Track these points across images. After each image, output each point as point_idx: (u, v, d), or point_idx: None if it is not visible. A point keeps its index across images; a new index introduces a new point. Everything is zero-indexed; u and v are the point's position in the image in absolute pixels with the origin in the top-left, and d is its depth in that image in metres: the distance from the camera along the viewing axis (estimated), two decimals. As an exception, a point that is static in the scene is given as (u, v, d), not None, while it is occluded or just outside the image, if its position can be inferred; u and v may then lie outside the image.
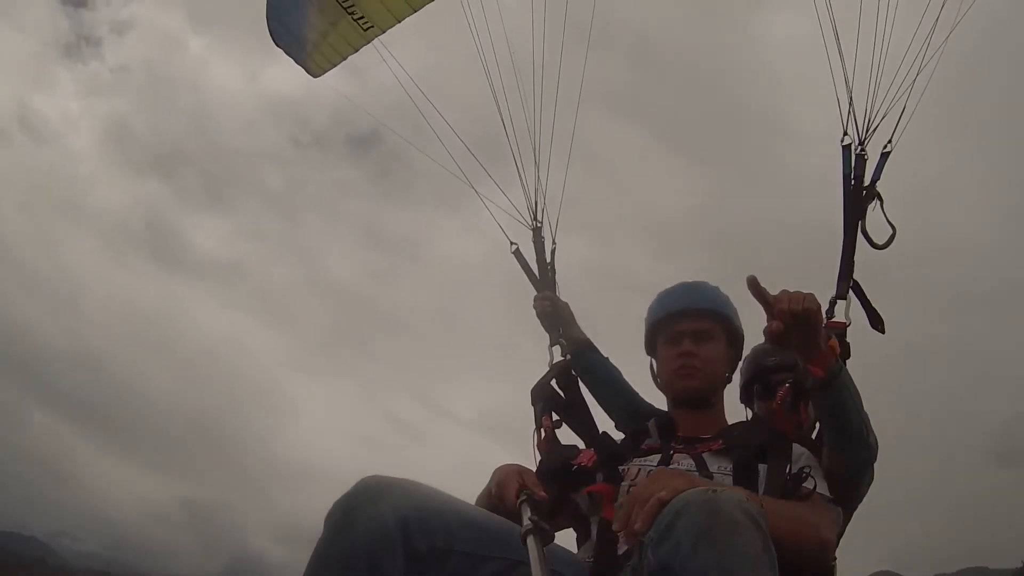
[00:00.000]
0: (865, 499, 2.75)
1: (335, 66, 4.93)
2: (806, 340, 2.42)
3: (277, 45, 4.66)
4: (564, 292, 3.91)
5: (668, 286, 3.13)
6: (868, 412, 2.59)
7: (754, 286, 2.39)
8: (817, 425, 2.84)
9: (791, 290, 2.41)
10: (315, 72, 4.86)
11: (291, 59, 4.74)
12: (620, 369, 3.53)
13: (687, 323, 2.95)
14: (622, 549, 2.37)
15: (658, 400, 3.28)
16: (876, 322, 2.92)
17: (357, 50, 4.83)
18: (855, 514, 2.76)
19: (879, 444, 2.61)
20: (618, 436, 3.02)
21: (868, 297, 2.88)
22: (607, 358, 3.54)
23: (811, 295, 2.45)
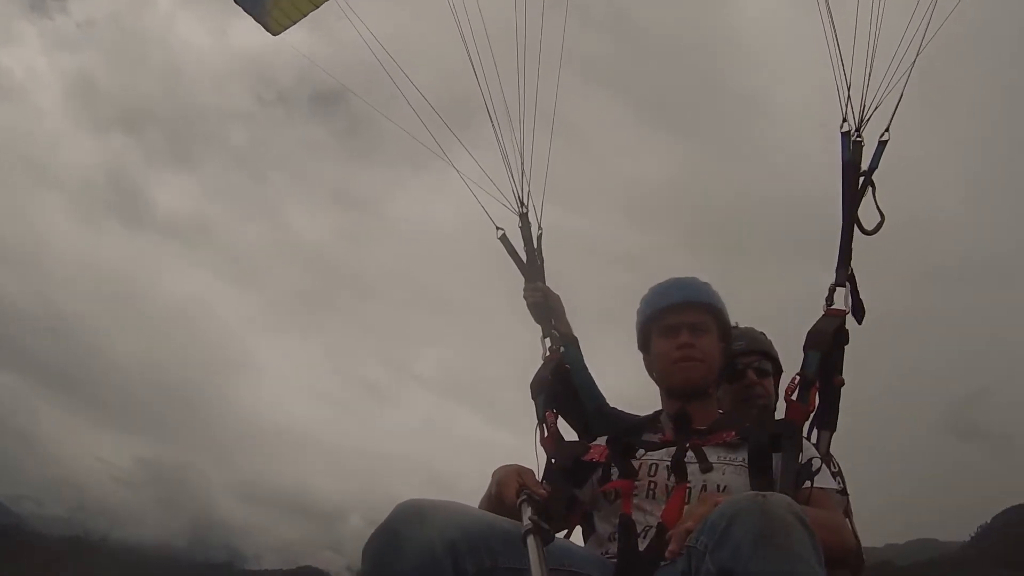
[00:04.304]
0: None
1: (295, 23, 4.73)
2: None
3: (236, 3, 4.43)
4: (549, 268, 3.79)
5: (658, 281, 3.06)
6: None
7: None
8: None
9: None
10: (275, 30, 4.67)
11: (251, 17, 4.53)
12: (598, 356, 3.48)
13: (683, 316, 2.90)
14: (643, 545, 2.43)
15: (629, 405, 3.31)
16: (859, 312, 2.94)
17: (318, 6, 4.63)
18: None
19: None
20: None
21: (859, 289, 2.87)
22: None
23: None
